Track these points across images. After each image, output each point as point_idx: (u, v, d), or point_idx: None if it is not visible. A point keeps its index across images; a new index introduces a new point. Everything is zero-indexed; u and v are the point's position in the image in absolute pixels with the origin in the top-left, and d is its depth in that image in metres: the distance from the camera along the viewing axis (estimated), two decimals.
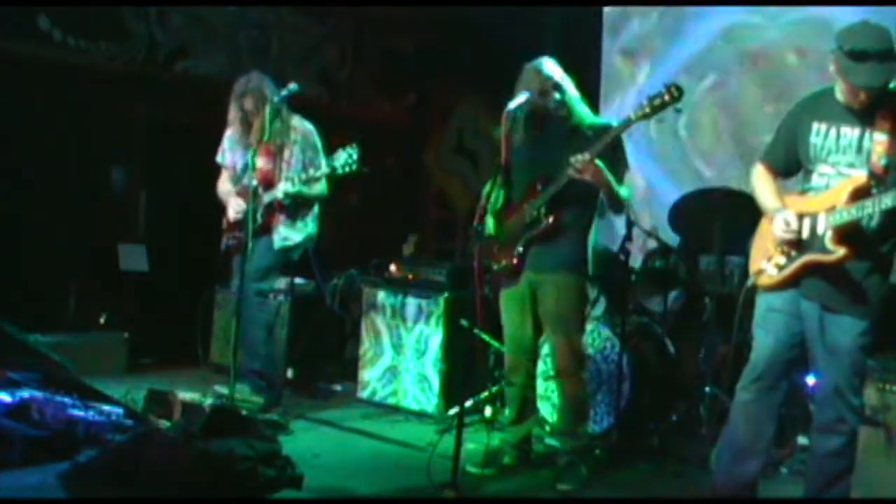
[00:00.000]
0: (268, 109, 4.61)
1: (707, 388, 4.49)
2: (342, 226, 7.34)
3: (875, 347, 3.31)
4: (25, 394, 3.82)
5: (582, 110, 4.06)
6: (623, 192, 3.96)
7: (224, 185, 5.11)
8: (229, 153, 5.05)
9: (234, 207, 4.93)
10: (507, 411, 4.39)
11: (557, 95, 3.99)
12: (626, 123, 3.79)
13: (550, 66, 4.04)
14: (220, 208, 5.10)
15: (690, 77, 6.20)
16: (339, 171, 4.49)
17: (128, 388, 4.76)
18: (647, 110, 3.69)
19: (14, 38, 5.87)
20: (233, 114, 4.94)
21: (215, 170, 5.17)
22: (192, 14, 6.77)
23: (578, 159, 3.76)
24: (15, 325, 4.41)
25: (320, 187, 4.84)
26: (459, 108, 8.25)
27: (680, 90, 3.66)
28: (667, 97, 3.65)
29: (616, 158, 3.93)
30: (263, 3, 7.20)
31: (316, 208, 5.00)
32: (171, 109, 6.46)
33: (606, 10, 6.88)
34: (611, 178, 3.86)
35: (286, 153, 4.82)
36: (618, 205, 4.04)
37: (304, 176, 4.67)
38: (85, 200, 6.18)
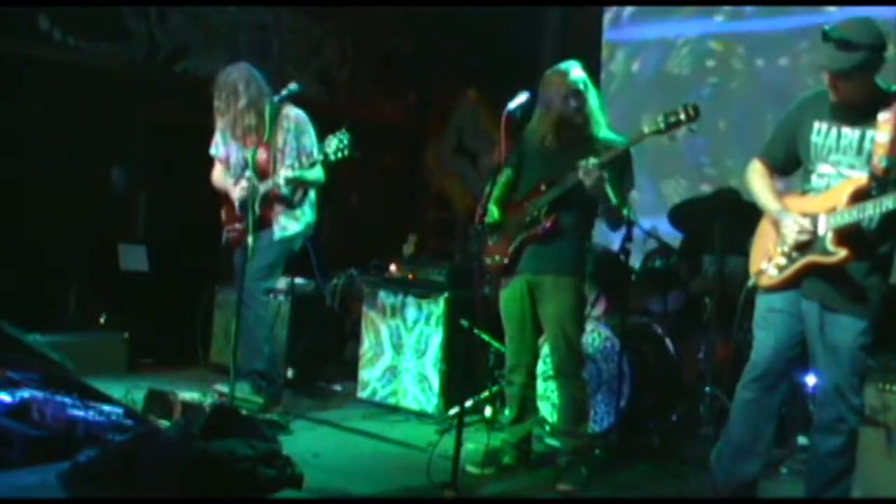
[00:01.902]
0: (267, 110, 4.61)
1: (707, 388, 4.49)
2: (342, 226, 7.35)
3: (875, 347, 3.32)
4: (25, 394, 3.81)
5: (599, 121, 4.01)
6: (623, 210, 3.95)
7: (219, 176, 5.06)
8: (222, 146, 5.03)
9: (241, 186, 4.77)
10: (506, 411, 4.39)
11: (575, 103, 3.93)
12: (638, 137, 3.76)
13: (577, 73, 3.98)
14: (220, 205, 5.06)
15: (691, 78, 6.20)
16: (332, 157, 4.47)
17: (128, 388, 4.77)
18: (662, 126, 3.64)
19: (14, 38, 5.87)
20: (215, 103, 4.91)
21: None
22: (192, 14, 6.77)
23: (590, 162, 3.72)
24: (15, 325, 4.41)
25: (317, 173, 4.80)
26: (459, 108, 8.25)
27: (697, 110, 3.59)
28: (682, 116, 3.60)
29: (623, 172, 3.91)
30: (263, 3, 7.20)
31: (313, 196, 4.95)
32: (171, 109, 6.46)
33: (606, 10, 6.89)
34: (609, 192, 3.82)
35: (280, 141, 4.79)
36: (616, 220, 4.03)
37: (297, 164, 4.65)
38: (85, 200, 6.17)
